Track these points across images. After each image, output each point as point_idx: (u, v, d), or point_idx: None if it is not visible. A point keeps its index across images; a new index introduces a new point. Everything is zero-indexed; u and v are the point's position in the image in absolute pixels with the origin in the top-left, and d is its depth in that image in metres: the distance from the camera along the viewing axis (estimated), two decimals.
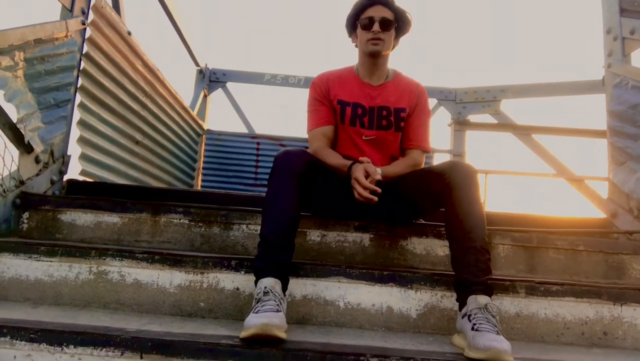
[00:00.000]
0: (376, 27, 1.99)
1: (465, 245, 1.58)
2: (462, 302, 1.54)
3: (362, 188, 1.79)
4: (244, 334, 1.32)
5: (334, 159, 1.97)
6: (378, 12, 2.01)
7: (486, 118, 5.70)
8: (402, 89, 2.11)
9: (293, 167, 1.69)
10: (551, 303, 1.69)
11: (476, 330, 1.38)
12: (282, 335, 1.33)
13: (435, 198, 1.79)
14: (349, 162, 1.91)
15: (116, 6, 3.16)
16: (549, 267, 2.15)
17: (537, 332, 1.67)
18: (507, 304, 1.69)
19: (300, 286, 1.69)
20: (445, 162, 1.87)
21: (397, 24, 2.05)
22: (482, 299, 1.48)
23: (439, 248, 2.10)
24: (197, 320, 1.63)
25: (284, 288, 1.55)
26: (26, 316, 1.46)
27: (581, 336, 1.67)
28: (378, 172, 1.85)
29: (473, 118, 5.74)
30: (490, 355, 1.30)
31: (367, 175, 1.82)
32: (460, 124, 5.53)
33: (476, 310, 1.45)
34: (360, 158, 1.89)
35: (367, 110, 2.07)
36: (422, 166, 2.11)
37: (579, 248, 2.17)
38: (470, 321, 1.43)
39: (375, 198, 1.80)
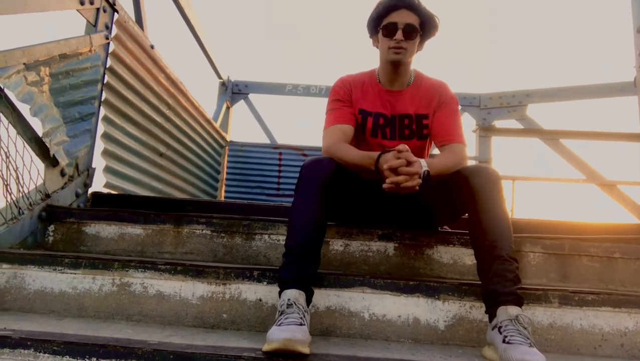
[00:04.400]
0: (399, 35, 1.85)
1: (491, 254, 1.51)
2: (491, 313, 1.47)
3: (398, 176, 1.62)
4: (266, 347, 1.29)
5: (354, 152, 1.81)
6: (402, 17, 1.85)
7: (512, 123, 5.58)
8: (422, 93, 2.00)
9: (320, 175, 1.63)
10: (587, 313, 1.61)
11: (508, 342, 1.32)
12: (306, 350, 1.29)
13: (458, 204, 1.74)
14: (374, 154, 1.73)
15: (139, 20, 3.22)
16: (583, 275, 2.06)
17: (572, 344, 1.60)
18: (540, 314, 1.61)
19: (323, 297, 1.66)
20: (468, 166, 1.75)
21: (423, 29, 1.90)
22: (513, 310, 1.41)
23: (467, 257, 2.04)
24: (219, 331, 1.61)
25: (308, 300, 1.51)
26: (51, 328, 1.46)
27: (620, 348, 1.59)
28: (423, 165, 1.66)
29: (498, 124, 5.62)
30: None
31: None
32: (486, 130, 5.43)
33: (507, 322, 1.39)
34: (397, 147, 1.66)
35: (389, 119, 1.98)
36: (467, 161, 1.88)
37: (615, 255, 2.07)
38: (501, 333, 1.37)
39: (416, 183, 1.63)
